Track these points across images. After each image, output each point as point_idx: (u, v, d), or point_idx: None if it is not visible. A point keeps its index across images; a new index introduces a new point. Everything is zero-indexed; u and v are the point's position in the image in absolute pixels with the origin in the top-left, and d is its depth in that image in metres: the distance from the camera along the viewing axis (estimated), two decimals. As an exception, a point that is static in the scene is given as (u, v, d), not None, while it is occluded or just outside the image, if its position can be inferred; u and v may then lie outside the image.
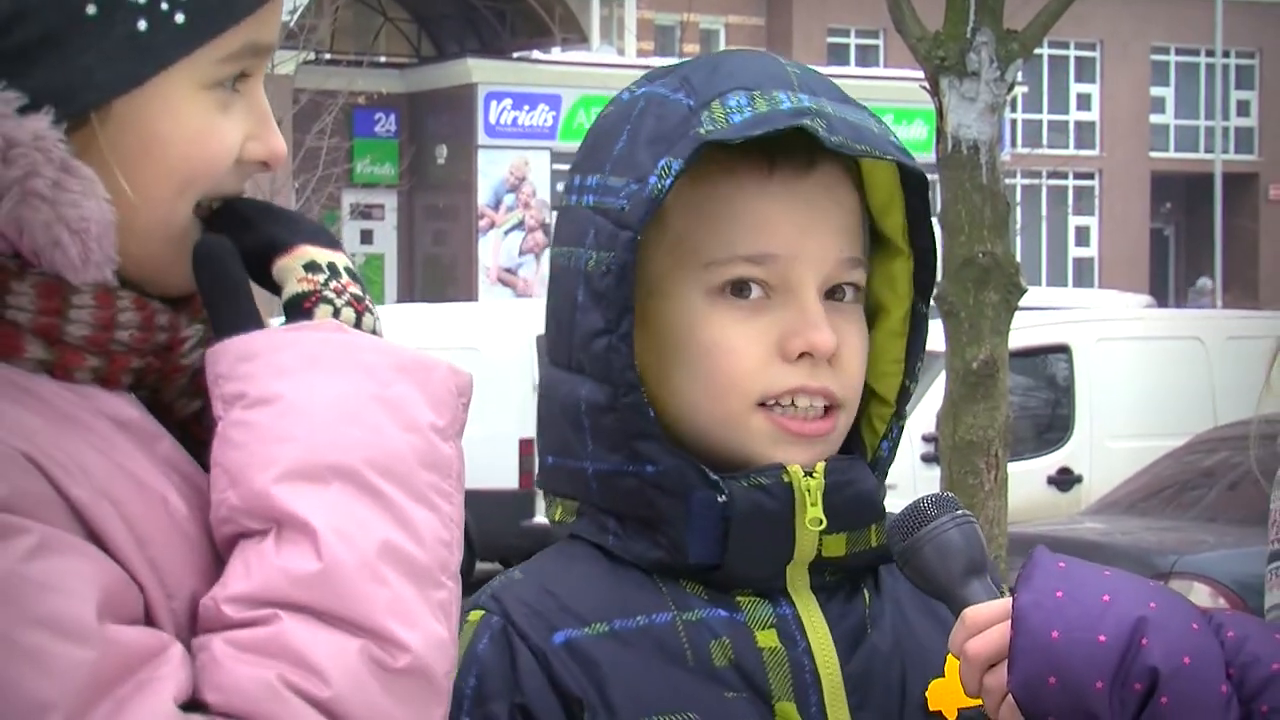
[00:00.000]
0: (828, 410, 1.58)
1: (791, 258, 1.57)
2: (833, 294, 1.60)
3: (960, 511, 1.54)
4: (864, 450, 1.66)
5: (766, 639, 1.57)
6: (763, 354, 1.57)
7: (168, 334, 1.26)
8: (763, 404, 1.57)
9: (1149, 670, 1.46)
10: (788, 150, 1.57)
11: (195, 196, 1.28)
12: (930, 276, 1.67)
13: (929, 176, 1.71)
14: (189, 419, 1.29)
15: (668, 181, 1.52)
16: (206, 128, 1.25)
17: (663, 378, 1.57)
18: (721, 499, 1.55)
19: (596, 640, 1.55)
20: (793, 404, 1.57)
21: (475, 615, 1.58)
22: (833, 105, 1.57)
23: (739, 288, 1.57)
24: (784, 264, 1.57)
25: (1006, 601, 1.50)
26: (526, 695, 1.52)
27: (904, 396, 1.68)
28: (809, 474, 1.56)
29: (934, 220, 1.70)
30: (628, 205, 1.53)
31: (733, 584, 1.58)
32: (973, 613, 1.50)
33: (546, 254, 29.37)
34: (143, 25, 1.21)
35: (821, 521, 1.56)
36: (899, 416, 1.67)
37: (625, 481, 1.56)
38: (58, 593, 1.13)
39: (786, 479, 1.56)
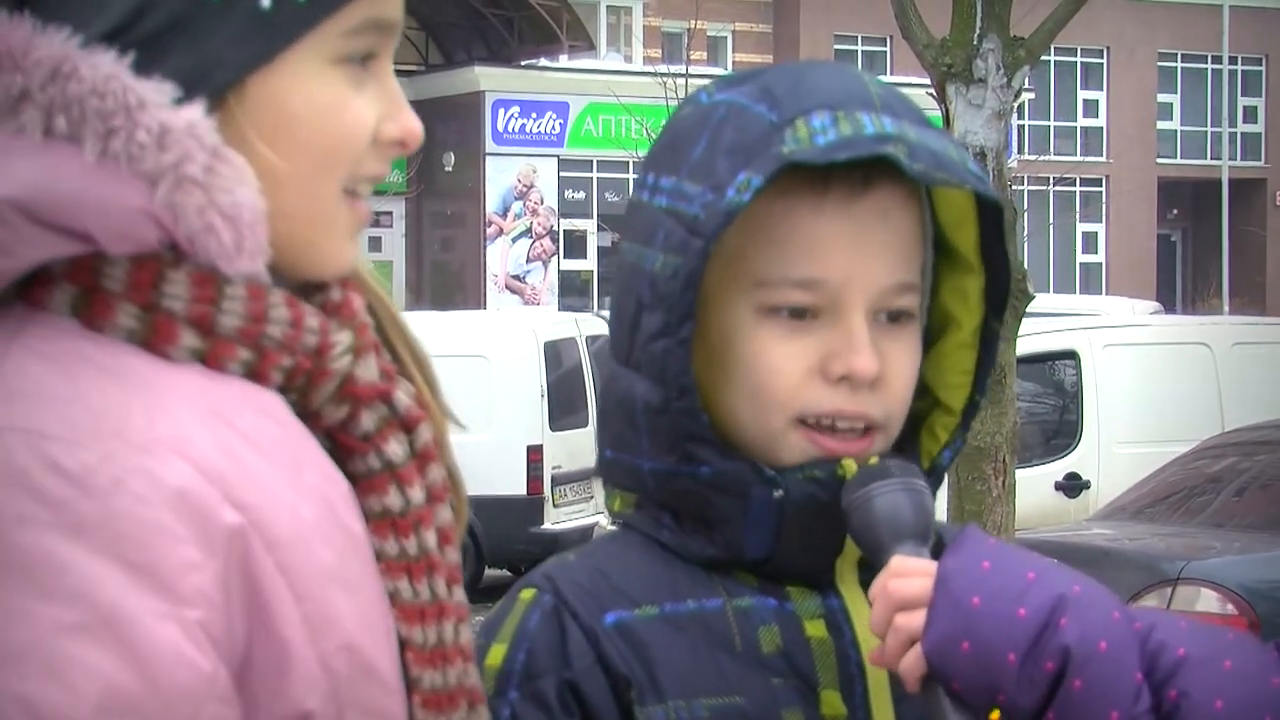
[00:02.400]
0: (866, 430, 1.59)
1: (841, 283, 1.57)
2: (879, 314, 1.60)
3: (918, 480, 1.56)
4: (920, 457, 1.67)
5: (814, 629, 1.59)
6: (804, 373, 1.57)
7: (317, 337, 1.26)
8: (802, 421, 1.58)
9: (1063, 650, 1.47)
10: (844, 173, 1.56)
11: (339, 176, 1.29)
12: (1004, 295, 1.68)
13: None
14: (334, 427, 1.29)
15: (746, 197, 1.52)
16: (339, 101, 1.27)
17: (710, 386, 1.59)
18: (778, 494, 1.56)
19: (646, 622, 1.57)
20: (832, 425, 1.58)
21: (527, 593, 1.60)
22: (915, 130, 1.56)
23: (791, 311, 1.58)
24: (833, 289, 1.57)
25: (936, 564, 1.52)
26: (576, 672, 1.55)
27: (971, 410, 1.69)
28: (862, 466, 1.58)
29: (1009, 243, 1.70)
30: (703, 214, 1.53)
31: (784, 575, 1.60)
32: (899, 561, 1.52)
33: (554, 261, 29.46)
34: (266, 3, 1.24)
35: None
36: (964, 428, 1.69)
37: (680, 482, 1.58)
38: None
39: (840, 472, 1.57)
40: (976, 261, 1.67)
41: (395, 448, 1.29)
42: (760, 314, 1.58)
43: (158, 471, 1.13)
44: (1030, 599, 1.49)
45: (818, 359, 1.57)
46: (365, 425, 1.28)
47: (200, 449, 1.16)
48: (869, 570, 1.59)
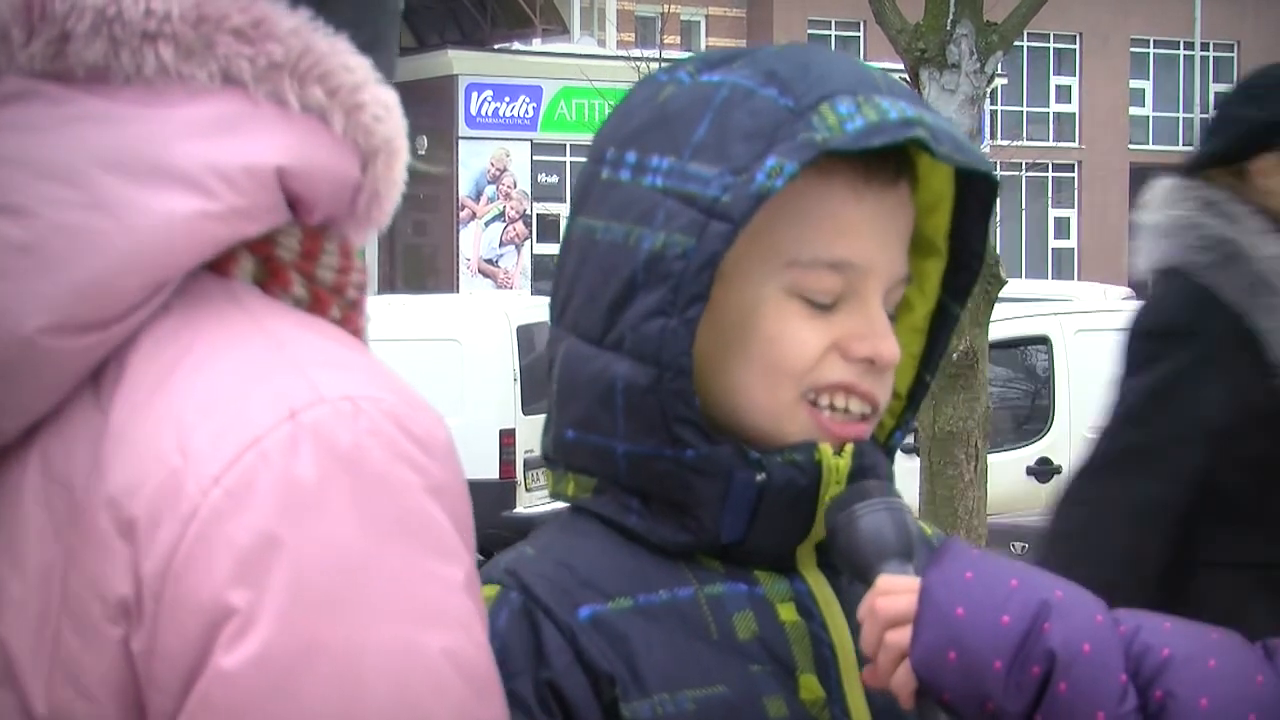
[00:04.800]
0: (865, 417, 1.60)
1: (868, 268, 1.58)
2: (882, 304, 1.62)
3: (898, 500, 1.57)
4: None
5: (787, 612, 1.59)
6: (824, 347, 1.58)
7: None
8: (812, 401, 1.58)
9: (1048, 654, 1.48)
10: (881, 160, 1.57)
11: None
12: (972, 280, 1.69)
13: None
14: None
15: (779, 183, 1.51)
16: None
17: (717, 362, 1.57)
18: (760, 478, 1.56)
19: (622, 615, 1.55)
20: (843, 407, 1.59)
21: (489, 590, 1.56)
22: (928, 113, 1.57)
23: (818, 295, 1.58)
24: (859, 274, 1.58)
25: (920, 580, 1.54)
26: (555, 671, 1.52)
27: (920, 390, 1.70)
28: (838, 454, 1.59)
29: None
30: (726, 197, 1.51)
31: (750, 559, 1.59)
32: (886, 580, 1.53)
33: (527, 245, 29.42)
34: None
35: None
36: (912, 409, 1.70)
37: (660, 464, 1.56)
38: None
39: (818, 457, 1.57)
40: (943, 246, 1.68)
41: None
42: (786, 293, 1.57)
43: (445, 436, 1.17)
44: (1013, 606, 1.50)
45: (837, 338, 1.58)
46: None
47: (440, 416, 1.19)
48: (825, 553, 1.60)
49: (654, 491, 1.58)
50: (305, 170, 1.17)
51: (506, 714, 1.15)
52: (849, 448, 1.59)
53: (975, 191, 1.67)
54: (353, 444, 1.10)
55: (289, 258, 1.19)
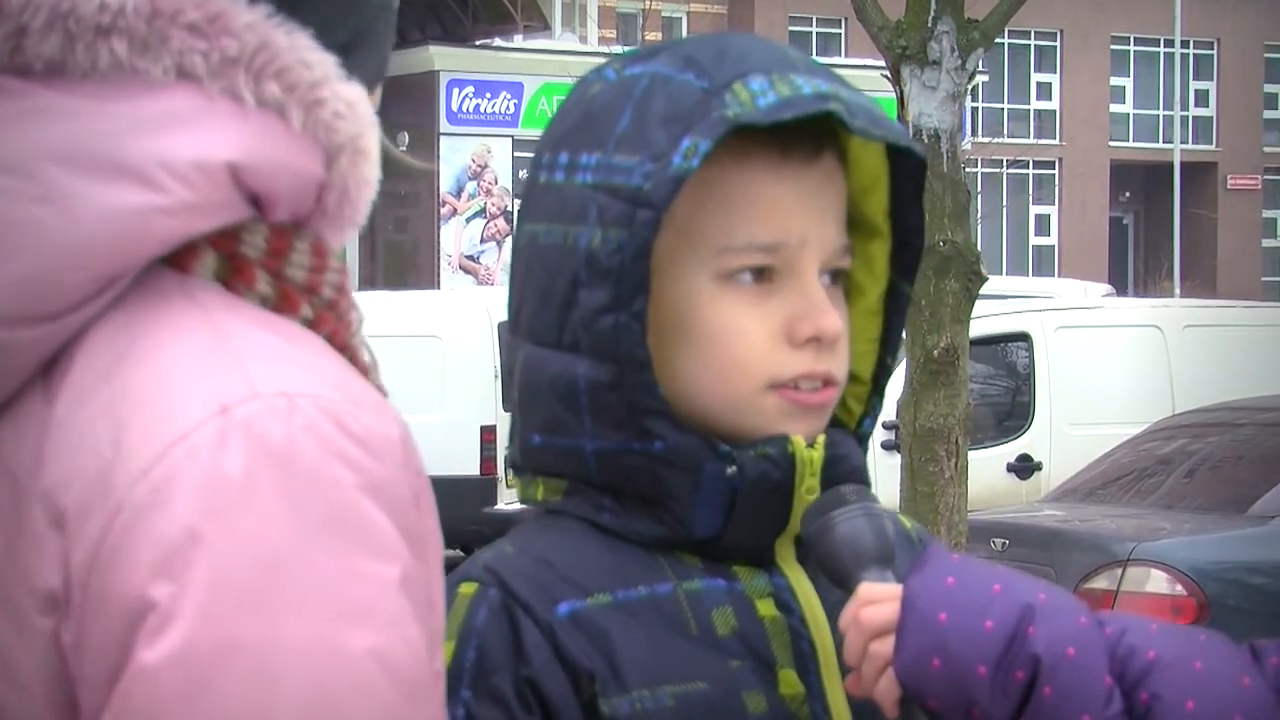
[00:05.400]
0: (825, 384, 1.60)
1: (800, 245, 1.58)
2: (823, 275, 1.61)
3: (876, 505, 1.57)
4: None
5: (766, 608, 1.59)
6: (771, 338, 1.58)
7: (354, 313, 1.27)
8: (773, 386, 1.58)
9: (1032, 658, 1.48)
10: (798, 136, 1.58)
11: None
12: (917, 257, 1.69)
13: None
14: None
15: (694, 162, 1.51)
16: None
17: (666, 357, 1.57)
18: (731, 471, 1.56)
19: (601, 611, 1.54)
20: (797, 386, 1.59)
21: (468, 588, 1.56)
22: (845, 90, 1.58)
23: (752, 273, 1.58)
24: (793, 251, 1.58)
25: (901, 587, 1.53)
26: (534, 668, 1.51)
27: (883, 373, 1.70)
28: (810, 446, 1.59)
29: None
30: (647, 184, 1.52)
31: (728, 555, 1.59)
32: (867, 589, 1.53)
33: (508, 242, 29.36)
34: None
35: (815, 493, 1.58)
36: (878, 394, 1.70)
37: (630, 459, 1.56)
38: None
39: (791, 450, 1.57)
40: (885, 226, 1.69)
41: None
42: (720, 281, 1.58)
43: (396, 436, 1.15)
44: (996, 611, 1.50)
45: (781, 323, 1.58)
46: None
47: (398, 415, 1.18)
48: (805, 547, 1.60)
49: (625, 487, 1.58)
50: (261, 166, 1.17)
51: (443, 715, 1.13)
52: (821, 438, 1.59)
53: (906, 169, 1.67)
54: (285, 440, 1.09)
55: (254, 255, 1.19)
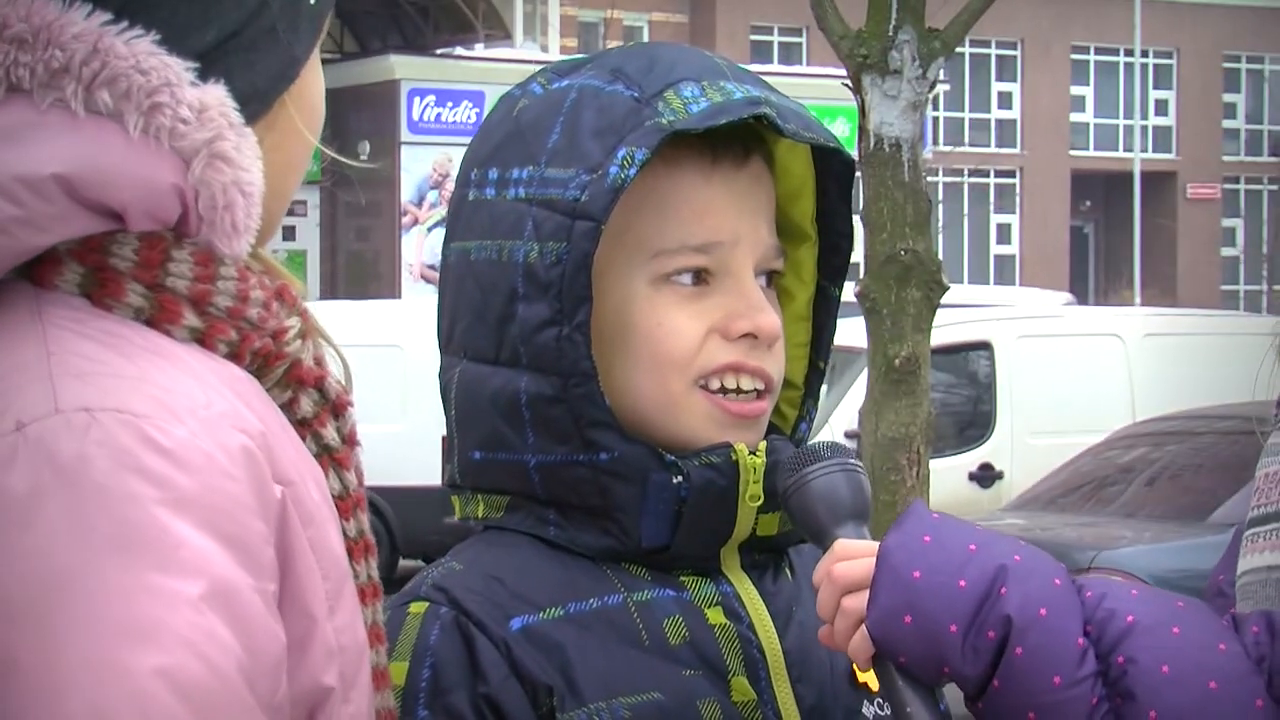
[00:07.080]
0: (760, 393, 1.61)
1: (733, 244, 1.60)
2: (759, 276, 1.63)
3: (852, 460, 1.57)
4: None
5: (715, 616, 1.59)
6: (704, 332, 1.58)
7: (277, 320, 1.26)
8: (703, 386, 1.58)
9: (1003, 618, 1.48)
10: (728, 141, 1.59)
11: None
12: (845, 261, 1.70)
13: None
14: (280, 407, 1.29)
15: (631, 172, 1.53)
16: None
17: (604, 366, 1.57)
18: (677, 480, 1.56)
19: (554, 624, 1.54)
20: (736, 388, 1.59)
21: (419, 607, 1.55)
22: (775, 95, 1.60)
23: (691, 276, 1.59)
24: (727, 250, 1.59)
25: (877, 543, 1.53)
26: (491, 685, 1.51)
27: (815, 377, 1.71)
28: (753, 453, 1.59)
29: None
30: (584, 196, 1.53)
31: (674, 564, 1.59)
32: (842, 544, 1.53)
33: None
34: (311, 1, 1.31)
35: (759, 499, 1.58)
36: (811, 398, 1.71)
37: (574, 472, 1.56)
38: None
39: (734, 457, 1.58)
40: (812, 231, 1.70)
41: (331, 432, 1.29)
42: (657, 284, 1.59)
43: (232, 446, 1.14)
44: (971, 570, 1.50)
45: (717, 320, 1.59)
46: (304, 409, 1.28)
47: (250, 426, 1.17)
48: (751, 553, 1.61)
49: (571, 500, 1.58)
50: (95, 177, 1.16)
51: None
52: (763, 445, 1.60)
53: (833, 173, 1.69)
54: (76, 455, 1.09)
55: (124, 266, 1.19)
